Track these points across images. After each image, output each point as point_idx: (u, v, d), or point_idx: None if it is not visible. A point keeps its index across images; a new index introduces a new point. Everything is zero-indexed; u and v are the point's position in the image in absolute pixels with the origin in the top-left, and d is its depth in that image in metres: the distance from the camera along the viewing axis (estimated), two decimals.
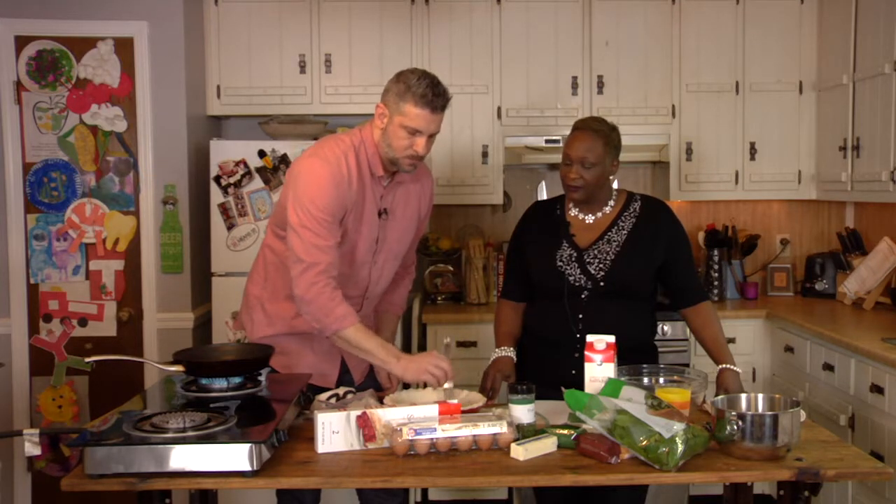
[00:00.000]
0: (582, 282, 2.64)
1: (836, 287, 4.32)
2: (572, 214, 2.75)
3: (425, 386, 2.62)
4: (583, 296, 2.64)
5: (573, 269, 2.65)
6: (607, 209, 2.72)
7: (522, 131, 4.25)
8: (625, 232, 2.68)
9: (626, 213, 2.71)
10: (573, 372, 2.56)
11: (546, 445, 2.05)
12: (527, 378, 2.49)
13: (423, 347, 4.08)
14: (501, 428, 2.06)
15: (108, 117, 3.86)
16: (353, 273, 2.54)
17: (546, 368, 2.66)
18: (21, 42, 3.81)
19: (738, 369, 2.59)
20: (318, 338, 2.55)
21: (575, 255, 2.67)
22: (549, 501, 2.77)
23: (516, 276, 2.81)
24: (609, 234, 2.68)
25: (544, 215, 2.80)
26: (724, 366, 2.60)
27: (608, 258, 2.64)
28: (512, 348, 2.75)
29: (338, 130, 3.41)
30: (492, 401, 2.56)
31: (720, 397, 2.12)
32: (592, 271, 2.64)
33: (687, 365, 3.79)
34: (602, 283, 2.63)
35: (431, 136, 2.44)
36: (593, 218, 2.72)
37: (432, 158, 4.08)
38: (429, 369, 2.38)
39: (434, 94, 2.38)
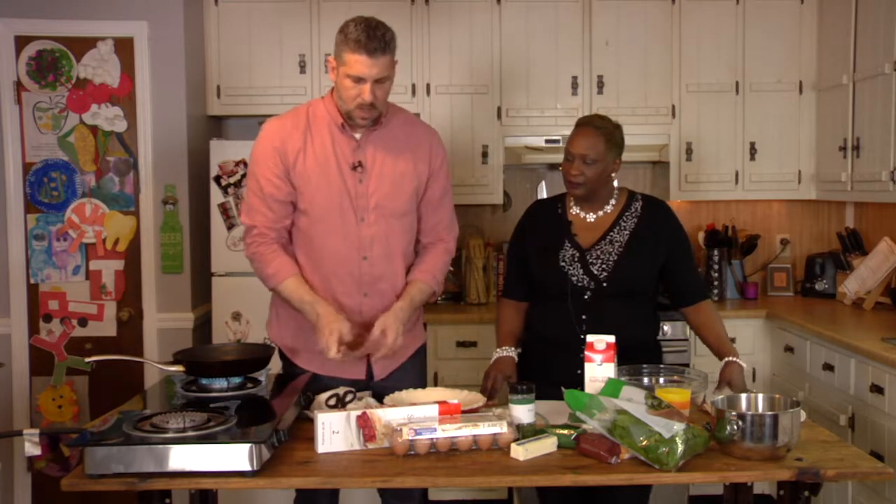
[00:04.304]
0: (585, 282, 2.64)
1: (836, 287, 4.32)
2: (573, 213, 2.74)
3: (425, 386, 2.63)
4: (585, 296, 2.64)
5: (576, 269, 2.65)
6: (608, 208, 2.72)
7: (522, 131, 4.25)
8: (627, 232, 2.68)
9: (627, 213, 2.71)
10: (578, 372, 2.56)
11: (546, 445, 2.04)
12: (531, 378, 2.50)
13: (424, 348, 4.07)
14: (501, 428, 2.06)
15: (108, 117, 3.86)
16: (332, 231, 2.51)
17: (551, 368, 2.66)
18: (21, 42, 3.81)
19: (742, 363, 2.59)
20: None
21: (577, 255, 2.66)
22: (552, 502, 2.77)
23: (517, 276, 2.81)
24: (611, 233, 2.68)
25: (545, 214, 2.80)
26: (729, 358, 2.60)
27: (611, 259, 2.64)
28: (513, 348, 2.74)
29: None
30: (492, 401, 2.56)
31: (720, 397, 2.12)
32: (595, 272, 2.64)
33: (687, 365, 3.79)
34: (605, 284, 2.63)
35: (380, 83, 2.39)
36: (594, 217, 2.72)
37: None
38: (320, 341, 2.38)
39: (368, 38, 2.34)
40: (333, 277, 2.54)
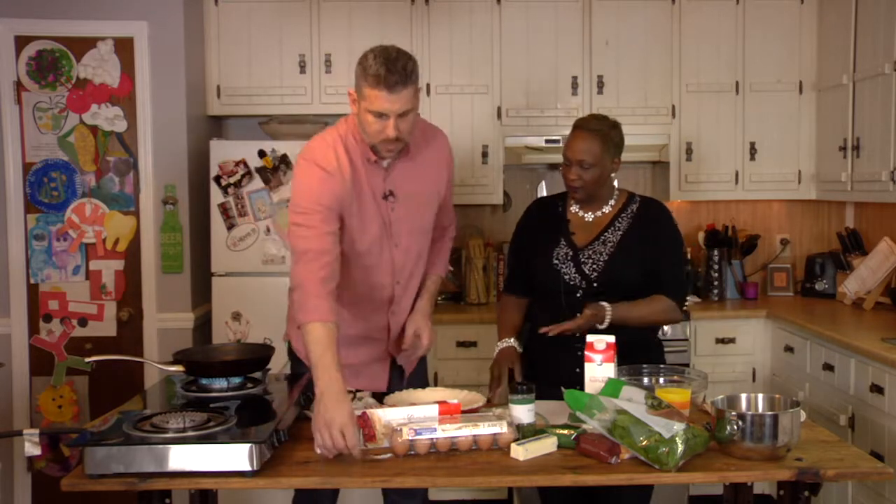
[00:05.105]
0: (577, 281, 2.66)
1: (836, 287, 4.32)
2: (573, 211, 2.76)
3: (427, 385, 2.63)
4: (578, 294, 2.65)
5: (569, 268, 2.67)
6: (607, 208, 2.72)
7: (522, 131, 4.25)
8: (620, 233, 2.68)
9: (623, 214, 2.71)
10: (577, 370, 2.57)
11: (546, 445, 2.04)
12: (532, 376, 2.49)
13: None
14: (501, 428, 2.06)
15: (108, 117, 3.86)
16: (371, 263, 2.50)
17: (550, 366, 2.67)
18: (21, 42, 3.81)
19: (608, 312, 2.55)
20: (361, 342, 2.55)
21: (571, 254, 2.68)
22: (553, 502, 2.77)
23: (518, 272, 2.84)
24: (605, 234, 2.69)
25: (546, 212, 2.82)
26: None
27: (601, 259, 2.65)
28: (514, 339, 2.75)
29: None
30: (499, 387, 2.60)
31: (720, 397, 2.11)
32: (587, 271, 2.65)
33: (687, 365, 3.79)
34: (595, 284, 2.64)
35: (403, 116, 2.30)
36: (593, 216, 2.73)
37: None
38: (318, 433, 2.01)
39: (388, 72, 2.23)
40: (365, 304, 2.55)
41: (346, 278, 2.48)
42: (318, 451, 2.01)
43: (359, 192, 2.43)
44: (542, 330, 2.57)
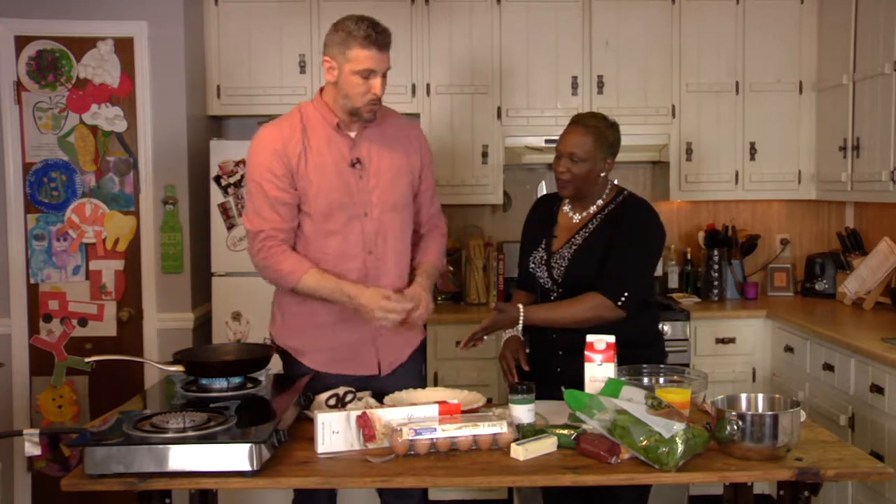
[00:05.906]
0: (549, 285, 2.68)
1: (836, 287, 4.32)
2: (564, 211, 2.76)
3: (424, 386, 2.63)
4: (552, 298, 2.67)
5: (542, 271, 2.70)
6: (593, 208, 2.70)
7: (522, 131, 4.25)
8: (587, 234, 2.66)
9: (599, 215, 2.69)
10: (558, 370, 2.59)
11: (546, 445, 2.05)
12: (530, 376, 2.49)
13: (424, 349, 4.08)
14: (501, 428, 2.06)
15: (108, 117, 3.86)
16: (335, 228, 2.54)
17: (537, 366, 2.70)
18: (21, 42, 3.81)
19: (521, 312, 2.59)
20: (344, 327, 2.56)
21: (545, 258, 2.70)
22: (555, 501, 2.78)
23: (521, 271, 2.86)
24: (576, 237, 2.68)
25: (542, 211, 2.84)
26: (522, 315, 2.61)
27: (564, 263, 2.65)
28: (518, 328, 2.74)
29: None
30: (514, 379, 2.63)
31: (720, 397, 2.11)
32: (555, 275, 2.66)
33: (687, 365, 3.79)
34: (561, 290, 2.65)
35: (384, 76, 2.49)
36: (579, 217, 2.72)
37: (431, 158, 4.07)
38: (377, 314, 2.43)
39: (377, 33, 2.44)
40: (339, 275, 2.55)
41: (314, 248, 2.56)
42: (388, 324, 2.45)
43: (318, 157, 2.52)
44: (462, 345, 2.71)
